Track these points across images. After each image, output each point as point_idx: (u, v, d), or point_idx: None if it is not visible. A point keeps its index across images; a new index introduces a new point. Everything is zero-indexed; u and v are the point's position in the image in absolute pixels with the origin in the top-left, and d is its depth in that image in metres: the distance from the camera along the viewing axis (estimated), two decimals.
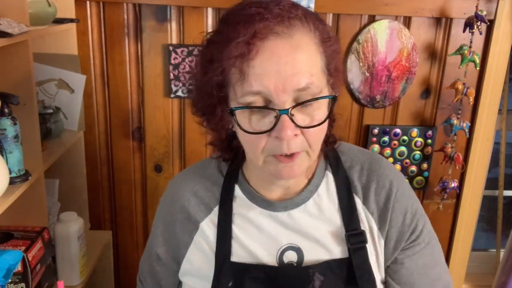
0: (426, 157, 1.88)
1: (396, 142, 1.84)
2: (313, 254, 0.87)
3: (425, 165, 1.88)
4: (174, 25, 1.67)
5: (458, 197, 1.94)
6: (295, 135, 0.75)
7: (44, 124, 1.53)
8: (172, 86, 1.72)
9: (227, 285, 0.86)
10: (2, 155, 1.20)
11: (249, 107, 0.74)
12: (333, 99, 0.78)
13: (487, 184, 2.21)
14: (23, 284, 1.24)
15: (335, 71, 0.80)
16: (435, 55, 1.78)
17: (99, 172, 1.82)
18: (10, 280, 1.21)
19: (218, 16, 1.67)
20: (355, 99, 1.78)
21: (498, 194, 2.30)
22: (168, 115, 1.76)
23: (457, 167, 1.81)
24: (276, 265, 0.87)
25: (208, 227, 0.91)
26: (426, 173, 1.90)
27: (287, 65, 0.72)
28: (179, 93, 1.73)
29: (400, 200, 0.88)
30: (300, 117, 0.75)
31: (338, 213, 0.88)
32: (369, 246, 0.87)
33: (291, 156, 0.77)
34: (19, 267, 1.21)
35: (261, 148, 0.77)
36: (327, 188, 0.89)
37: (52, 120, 1.55)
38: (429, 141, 1.85)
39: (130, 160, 1.81)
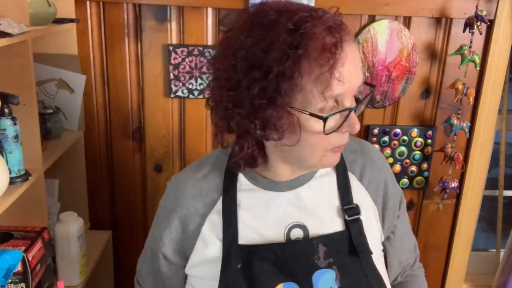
0: (426, 157, 1.88)
1: (396, 142, 1.84)
2: (317, 230, 0.92)
3: (425, 165, 1.88)
4: (174, 25, 1.67)
5: (458, 197, 1.94)
6: None
7: (44, 124, 1.53)
8: (172, 86, 1.72)
9: (236, 267, 0.89)
10: (2, 155, 1.20)
11: (343, 111, 0.80)
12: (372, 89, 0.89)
13: (487, 184, 2.21)
14: (23, 284, 1.24)
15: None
16: (435, 55, 1.78)
17: (99, 172, 1.82)
18: (10, 280, 1.21)
19: (218, 16, 1.67)
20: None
21: (498, 194, 2.30)
22: (168, 115, 1.76)
23: (457, 167, 1.81)
24: (283, 242, 0.91)
25: (215, 217, 0.93)
26: (426, 173, 1.90)
27: (357, 68, 0.80)
28: (179, 93, 1.73)
29: (388, 176, 1.01)
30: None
31: (336, 188, 0.96)
32: (364, 219, 0.95)
33: (341, 146, 0.86)
34: (19, 267, 1.21)
35: (327, 144, 0.83)
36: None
37: (52, 120, 1.56)
38: (429, 141, 1.85)
39: (130, 160, 1.81)
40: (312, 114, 0.79)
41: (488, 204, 2.64)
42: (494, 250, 2.37)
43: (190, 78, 1.71)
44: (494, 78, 1.79)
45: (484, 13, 1.64)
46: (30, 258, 1.25)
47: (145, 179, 1.84)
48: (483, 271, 2.37)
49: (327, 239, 0.91)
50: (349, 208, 0.94)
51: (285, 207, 0.93)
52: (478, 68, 1.73)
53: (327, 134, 0.80)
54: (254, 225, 0.92)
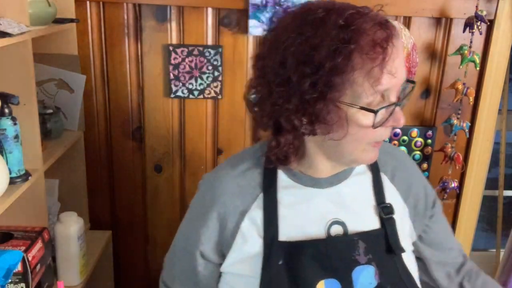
0: (426, 157, 1.88)
1: (396, 142, 1.84)
2: (355, 226, 0.94)
3: (425, 165, 1.88)
4: (174, 25, 1.67)
5: (458, 197, 1.94)
6: None
7: (44, 124, 1.53)
8: (172, 86, 1.72)
9: (277, 263, 0.90)
10: (2, 155, 1.20)
11: (390, 105, 0.82)
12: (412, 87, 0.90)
13: (487, 184, 2.21)
14: (23, 284, 1.24)
15: None
16: (435, 55, 1.78)
17: (99, 172, 1.82)
18: (10, 280, 1.21)
19: (218, 16, 1.67)
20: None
21: (498, 194, 2.30)
22: (168, 115, 1.76)
23: (457, 167, 1.81)
24: (324, 238, 0.93)
25: (255, 214, 0.93)
26: (426, 173, 1.90)
27: (402, 63, 0.82)
28: (179, 93, 1.73)
29: (418, 177, 1.05)
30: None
31: (371, 187, 0.98)
32: (396, 218, 0.97)
33: (379, 142, 0.89)
34: (19, 267, 1.21)
35: (371, 138, 0.86)
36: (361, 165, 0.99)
37: (52, 120, 1.56)
38: (429, 141, 1.85)
39: (130, 160, 1.81)
40: (362, 108, 0.81)
41: (488, 204, 2.64)
42: (494, 250, 2.37)
43: (190, 78, 1.71)
44: (494, 78, 1.79)
45: (484, 13, 1.64)
46: (30, 258, 1.25)
47: (145, 179, 1.84)
48: (483, 271, 2.37)
49: (366, 236, 0.93)
50: (384, 207, 0.96)
51: (325, 204, 0.94)
52: (478, 68, 1.73)
53: (375, 127, 0.83)
54: (295, 222, 0.93)
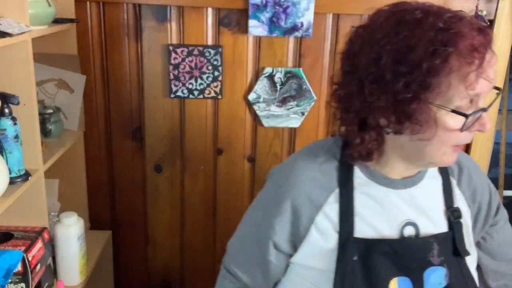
0: None
1: None
2: (426, 229, 0.96)
3: None
4: (174, 25, 1.67)
5: None
6: None
7: (44, 124, 1.53)
8: (172, 86, 1.72)
9: (352, 259, 0.91)
10: (2, 155, 1.20)
11: (482, 110, 0.84)
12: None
13: None
14: (23, 284, 1.24)
15: None
16: None
17: (99, 172, 1.82)
18: (10, 280, 1.21)
19: (218, 16, 1.67)
20: None
21: (498, 194, 2.30)
22: (168, 115, 1.76)
23: None
24: (398, 238, 0.95)
25: (330, 208, 0.94)
26: None
27: (493, 73, 0.83)
28: (179, 93, 1.73)
29: (483, 183, 1.05)
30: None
31: (441, 191, 1.00)
32: (462, 222, 0.99)
33: (459, 146, 0.89)
34: (19, 267, 1.21)
35: (455, 141, 0.86)
36: (433, 168, 1.01)
37: (52, 120, 1.55)
38: None
39: (130, 160, 1.81)
40: (454, 111, 0.82)
41: None
42: None
43: (190, 78, 1.71)
44: (494, 78, 1.78)
45: (484, 13, 1.64)
46: (30, 258, 1.25)
47: (145, 179, 1.84)
48: None
49: (439, 238, 0.95)
50: (453, 211, 0.98)
51: (399, 205, 0.96)
52: None
53: (462, 131, 0.84)
54: (370, 219, 0.94)
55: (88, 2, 1.64)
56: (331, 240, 0.93)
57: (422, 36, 0.80)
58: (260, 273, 1.02)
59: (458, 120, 0.83)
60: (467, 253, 0.98)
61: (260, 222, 1.01)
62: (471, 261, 1.00)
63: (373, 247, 0.92)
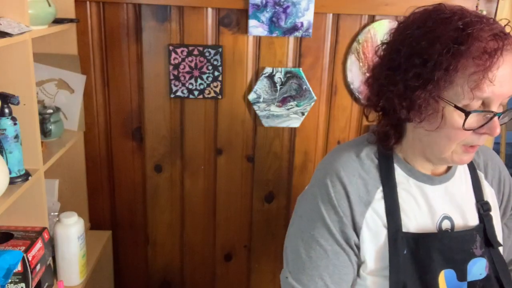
0: None
1: None
2: (460, 222, 1.01)
3: None
4: (174, 25, 1.67)
5: None
6: None
7: (44, 124, 1.53)
8: (172, 86, 1.72)
9: (403, 253, 0.95)
10: (2, 155, 1.20)
11: (484, 111, 0.86)
12: None
13: None
14: (23, 284, 1.24)
15: None
16: None
17: (99, 172, 1.82)
18: (10, 280, 1.21)
19: (218, 16, 1.67)
20: (355, 99, 1.78)
21: None
22: (168, 115, 1.76)
23: None
24: (438, 231, 0.99)
25: (378, 204, 0.97)
26: None
27: (510, 77, 0.85)
28: (179, 93, 1.73)
29: (506, 175, 1.11)
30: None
31: (471, 186, 1.05)
32: (492, 213, 1.04)
33: (474, 147, 0.92)
34: (19, 267, 1.21)
35: (462, 140, 0.90)
36: (462, 165, 1.05)
37: (52, 120, 1.55)
38: None
39: (130, 160, 1.81)
40: (456, 107, 0.86)
41: None
42: None
43: (190, 78, 1.71)
44: None
45: (484, 13, 1.64)
46: (30, 258, 1.25)
47: (145, 179, 1.84)
48: None
49: (476, 230, 1.00)
50: (483, 203, 1.04)
51: (436, 200, 1.00)
52: None
53: (465, 129, 0.87)
54: (413, 215, 0.98)
55: (88, 2, 1.64)
56: (381, 236, 0.96)
57: (443, 33, 0.85)
58: (337, 283, 0.96)
59: (463, 118, 0.86)
60: (499, 244, 1.02)
61: (317, 223, 0.96)
62: (503, 253, 1.05)
63: (422, 241, 0.95)
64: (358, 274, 0.99)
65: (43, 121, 1.52)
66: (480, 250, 0.99)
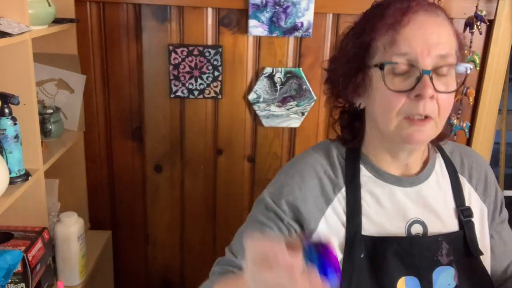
0: None
1: None
2: (434, 227, 0.96)
3: None
4: (174, 25, 1.67)
5: None
6: (431, 97, 0.84)
7: (44, 124, 1.53)
8: (172, 86, 1.72)
9: (359, 257, 0.92)
10: (2, 155, 1.20)
11: (398, 62, 0.85)
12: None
13: None
14: (23, 284, 1.24)
15: (459, 60, 0.91)
16: None
17: (99, 172, 1.82)
18: (10, 280, 1.21)
19: (218, 16, 1.67)
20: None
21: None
22: (168, 115, 1.76)
23: None
24: (406, 236, 0.95)
25: (339, 204, 0.95)
26: None
27: (433, 35, 0.84)
28: (179, 93, 1.73)
29: (491, 178, 1.05)
30: (437, 83, 0.85)
31: (450, 190, 1.00)
32: (475, 220, 0.99)
33: (423, 120, 0.86)
34: (19, 267, 1.21)
35: (398, 109, 0.86)
36: (440, 167, 1.01)
37: (52, 120, 1.55)
38: None
39: (130, 160, 1.81)
40: (375, 65, 0.87)
41: None
42: None
43: (190, 78, 1.71)
44: (494, 78, 1.78)
45: (484, 13, 1.64)
46: (30, 258, 1.25)
47: (145, 179, 1.84)
48: None
49: (449, 238, 0.95)
50: (464, 210, 0.98)
51: (406, 202, 0.96)
52: (478, 68, 1.73)
53: (390, 89, 0.85)
54: (376, 218, 0.94)
55: (88, 2, 1.64)
56: (339, 235, 0.93)
57: (366, 12, 0.93)
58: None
59: (389, 82, 0.86)
60: (480, 253, 0.97)
61: (268, 203, 0.96)
62: (485, 259, 0.99)
63: (380, 245, 0.92)
64: None
65: (43, 121, 1.52)
66: (447, 258, 0.93)
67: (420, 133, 0.87)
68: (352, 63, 0.91)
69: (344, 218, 0.94)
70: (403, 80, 0.85)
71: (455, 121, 1.78)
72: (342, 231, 0.93)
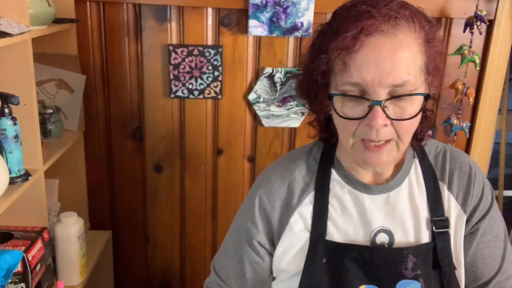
0: None
1: None
2: (403, 237, 0.92)
3: None
4: (174, 25, 1.67)
5: None
6: (385, 125, 0.81)
7: (44, 124, 1.53)
8: (172, 86, 1.72)
9: (321, 261, 0.90)
10: (2, 155, 1.20)
11: (345, 95, 0.81)
12: (426, 97, 0.83)
13: None
14: (23, 284, 1.24)
15: (434, 70, 0.85)
16: None
17: (99, 172, 1.82)
18: (10, 280, 1.21)
19: (218, 16, 1.67)
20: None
21: (498, 194, 2.30)
22: (168, 115, 1.76)
23: None
24: (369, 245, 0.92)
25: (305, 209, 0.94)
26: None
27: (386, 61, 0.78)
28: (179, 93, 1.73)
29: (478, 186, 0.95)
30: (392, 109, 0.81)
31: (425, 199, 0.94)
32: (452, 232, 0.93)
33: (379, 146, 0.83)
34: (19, 267, 1.21)
35: (352, 131, 0.84)
36: (416, 174, 0.95)
37: (52, 120, 1.56)
38: None
39: (130, 160, 1.81)
40: (329, 95, 0.84)
41: None
42: None
43: (190, 78, 1.71)
44: (494, 78, 1.78)
45: (484, 13, 1.64)
46: (30, 258, 1.25)
47: (145, 179, 1.84)
48: None
49: (417, 251, 0.90)
50: (438, 220, 0.92)
51: (374, 211, 0.93)
52: (478, 68, 1.73)
53: (341, 116, 0.83)
54: (341, 224, 0.92)
55: (88, 2, 1.64)
56: (302, 240, 0.93)
57: (330, 21, 0.86)
58: (255, 281, 1.00)
59: (340, 109, 0.83)
60: (453, 267, 0.91)
61: (246, 226, 0.99)
62: (461, 273, 0.93)
63: (342, 251, 0.90)
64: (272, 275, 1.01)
65: (43, 121, 1.52)
66: (413, 272, 0.88)
67: (377, 158, 0.85)
68: (313, 82, 0.88)
69: (309, 222, 0.93)
70: (356, 105, 0.82)
71: (455, 121, 1.78)
72: (306, 235, 0.93)
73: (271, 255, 0.99)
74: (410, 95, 0.80)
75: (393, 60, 0.78)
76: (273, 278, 1.02)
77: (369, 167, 0.88)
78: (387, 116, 0.80)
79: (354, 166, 0.94)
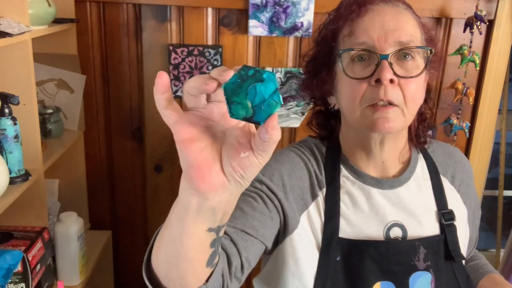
0: None
1: None
2: (415, 230, 0.93)
3: None
4: (174, 25, 1.67)
5: None
6: (392, 82, 0.83)
7: (44, 124, 1.53)
8: (172, 86, 1.72)
9: (335, 259, 0.90)
10: (2, 155, 1.20)
11: (354, 49, 0.85)
12: (430, 53, 0.87)
13: (487, 184, 2.20)
14: (23, 284, 1.24)
15: (429, 42, 0.91)
16: None
17: (99, 172, 1.82)
18: (10, 280, 1.21)
19: (218, 16, 1.67)
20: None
21: (498, 194, 2.30)
22: None
23: None
24: (383, 240, 0.92)
25: (320, 203, 0.93)
26: None
27: (391, 22, 0.85)
28: (179, 93, 1.73)
29: (473, 179, 1.05)
30: (398, 68, 0.84)
31: (431, 193, 0.97)
32: (457, 224, 0.96)
33: (386, 106, 0.84)
34: (19, 267, 1.21)
35: (360, 96, 0.85)
36: (422, 169, 0.99)
37: (52, 120, 1.56)
38: None
39: (130, 160, 1.81)
40: (337, 54, 0.88)
41: (488, 204, 2.64)
42: (494, 250, 2.37)
43: (190, 78, 1.71)
44: (494, 78, 1.79)
45: (484, 13, 1.64)
46: (30, 258, 1.25)
47: (145, 179, 1.84)
48: None
49: (427, 242, 0.92)
50: (446, 213, 0.96)
51: (385, 205, 0.93)
52: (478, 68, 1.73)
53: (349, 76, 0.85)
54: (355, 220, 0.92)
55: (88, 2, 1.64)
56: (317, 237, 0.91)
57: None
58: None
59: (349, 70, 0.87)
60: (462, 257, 0.95)
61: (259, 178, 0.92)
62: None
63: (356, 248, 0.90)
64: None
65: (43, 121, 1.52)
66: (424, 263, 0.91)
67: (384, 119, 0.84)
68: (319, 56, 0.94)
69: (323, 219, 0.92)
70: (364, 68, 0.85)
71: (455, 121, 1.78)
72: (320, 232, 0.91)
73: (274, 216, 0.90)
74: (416, 47, 0.85)
75: (397, 21, 0.85)
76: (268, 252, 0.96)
77: (377, 131, 0.86)
78: (394, 73, 0.83)
79: (360, 160, 0.95)
